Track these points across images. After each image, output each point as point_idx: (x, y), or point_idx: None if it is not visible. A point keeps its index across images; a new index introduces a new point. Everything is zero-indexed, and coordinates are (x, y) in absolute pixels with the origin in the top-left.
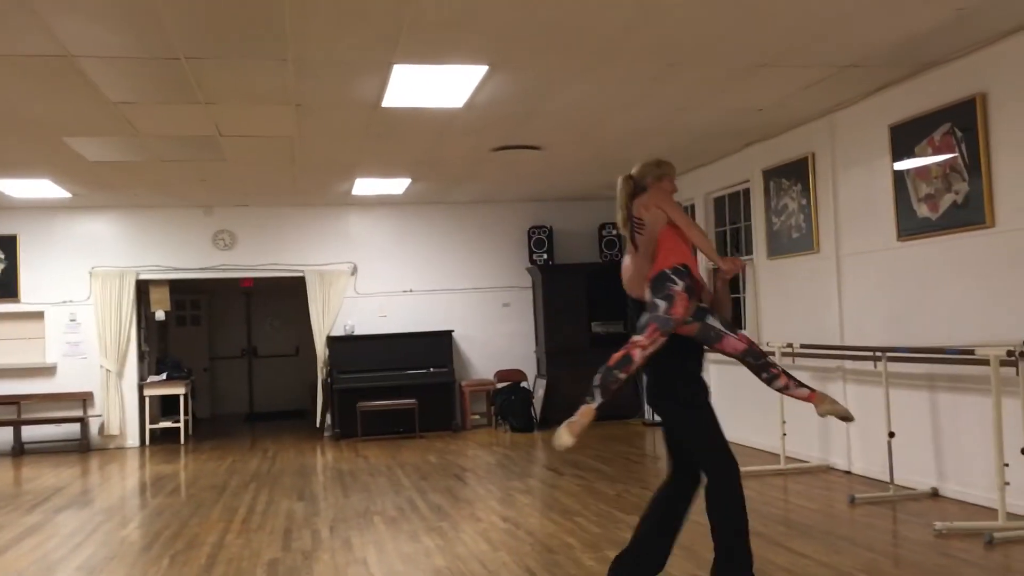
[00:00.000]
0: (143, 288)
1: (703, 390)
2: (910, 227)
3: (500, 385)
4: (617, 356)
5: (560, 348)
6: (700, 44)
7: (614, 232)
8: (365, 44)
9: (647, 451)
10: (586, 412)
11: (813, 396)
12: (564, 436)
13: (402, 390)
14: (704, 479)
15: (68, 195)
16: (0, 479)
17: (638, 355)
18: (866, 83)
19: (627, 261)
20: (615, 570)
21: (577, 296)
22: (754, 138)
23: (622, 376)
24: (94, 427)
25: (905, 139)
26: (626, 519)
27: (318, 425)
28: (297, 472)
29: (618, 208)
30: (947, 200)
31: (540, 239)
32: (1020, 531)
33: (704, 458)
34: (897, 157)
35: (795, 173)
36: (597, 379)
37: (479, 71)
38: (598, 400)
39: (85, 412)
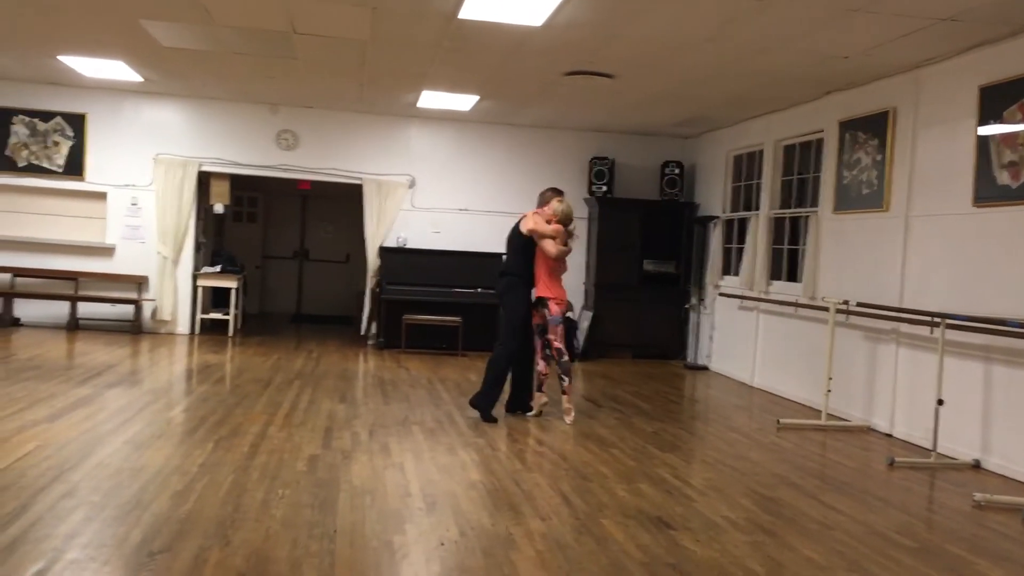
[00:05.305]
0: (204, 180)
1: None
2: (988, 194)
3: None
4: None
5: (610, 283)
6: None
7: (676, 171)
8: None
9: (685, 392)
10: None
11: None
12: None
13: (449, 307)
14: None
15: (140, 79)
16: (54, 351)
17: None
18: (960, 39)
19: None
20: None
21: (632, 232)
22: (834, 87)
23: None
24: (147, 311)
25: (994, 102)
26: (661, 456)
27: (362, 333)
28: (340, 375)
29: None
30: None
31: (601, 170)
32: None
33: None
34: (983, 120)
35: (873, 127)
36: None
37: None
38: None
39: (140, 295)
